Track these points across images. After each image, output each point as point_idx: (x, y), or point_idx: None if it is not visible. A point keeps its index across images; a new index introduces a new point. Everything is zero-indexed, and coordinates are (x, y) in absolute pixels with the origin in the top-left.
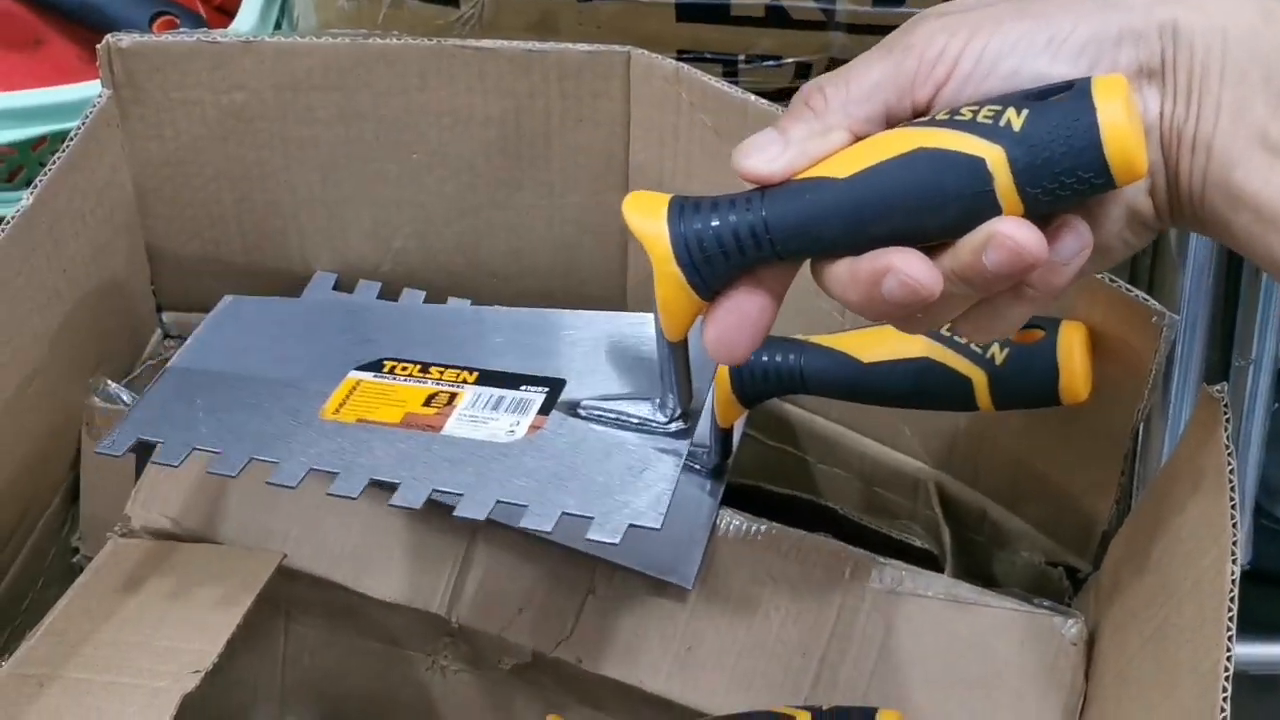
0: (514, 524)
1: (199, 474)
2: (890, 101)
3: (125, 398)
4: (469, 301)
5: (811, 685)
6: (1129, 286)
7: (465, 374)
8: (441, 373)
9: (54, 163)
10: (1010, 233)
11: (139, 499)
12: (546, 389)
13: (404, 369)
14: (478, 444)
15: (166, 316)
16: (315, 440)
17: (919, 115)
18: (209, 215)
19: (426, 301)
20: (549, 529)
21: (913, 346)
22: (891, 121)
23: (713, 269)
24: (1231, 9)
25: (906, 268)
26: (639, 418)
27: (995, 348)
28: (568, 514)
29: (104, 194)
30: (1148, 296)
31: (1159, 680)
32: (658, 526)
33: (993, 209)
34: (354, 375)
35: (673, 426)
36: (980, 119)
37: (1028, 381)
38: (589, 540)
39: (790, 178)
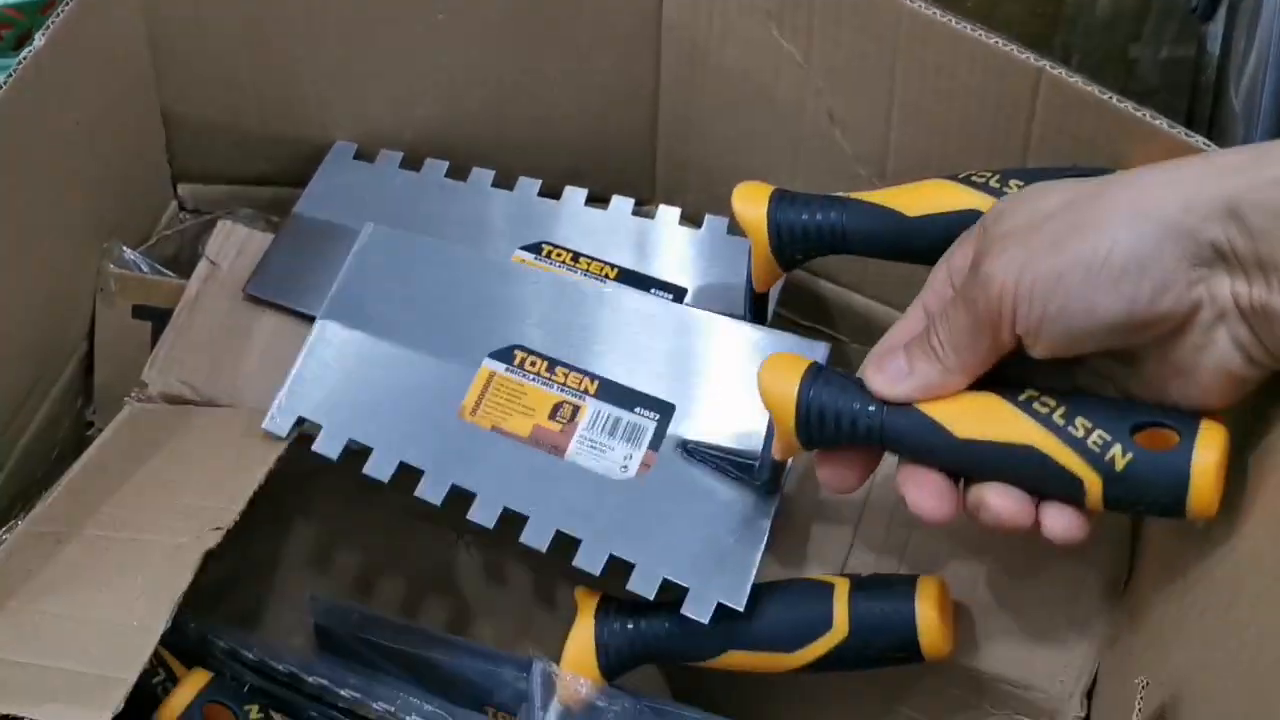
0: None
1: (217, 339)
2: (988, 344)
3: (142, 265)
4: (492, 173)
5: (846, 555)
6: (1189, 132)
7: (588, 381)
8: (566, 375)
9: (67, 3)
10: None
11: (155, 365)
12: (658, 416)
13: (533, 364)
14: (596, 479)
15: (182, 189)
16: (456, 447)
17: (1016, 348)
18: (226, 79)
19: (449, 175)
20: (650, 596)
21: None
22: (1001, 350)
23: (824, 439)
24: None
25: (1000, 505)
26: (738, 471)
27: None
28: (667, 579)
29: (118, 44)
30: (1208, 141)
31: None
32: (740, 609)
33: (1076, 503)
34: (488, 365)
35: (762, 486)
36: (1090, 443)
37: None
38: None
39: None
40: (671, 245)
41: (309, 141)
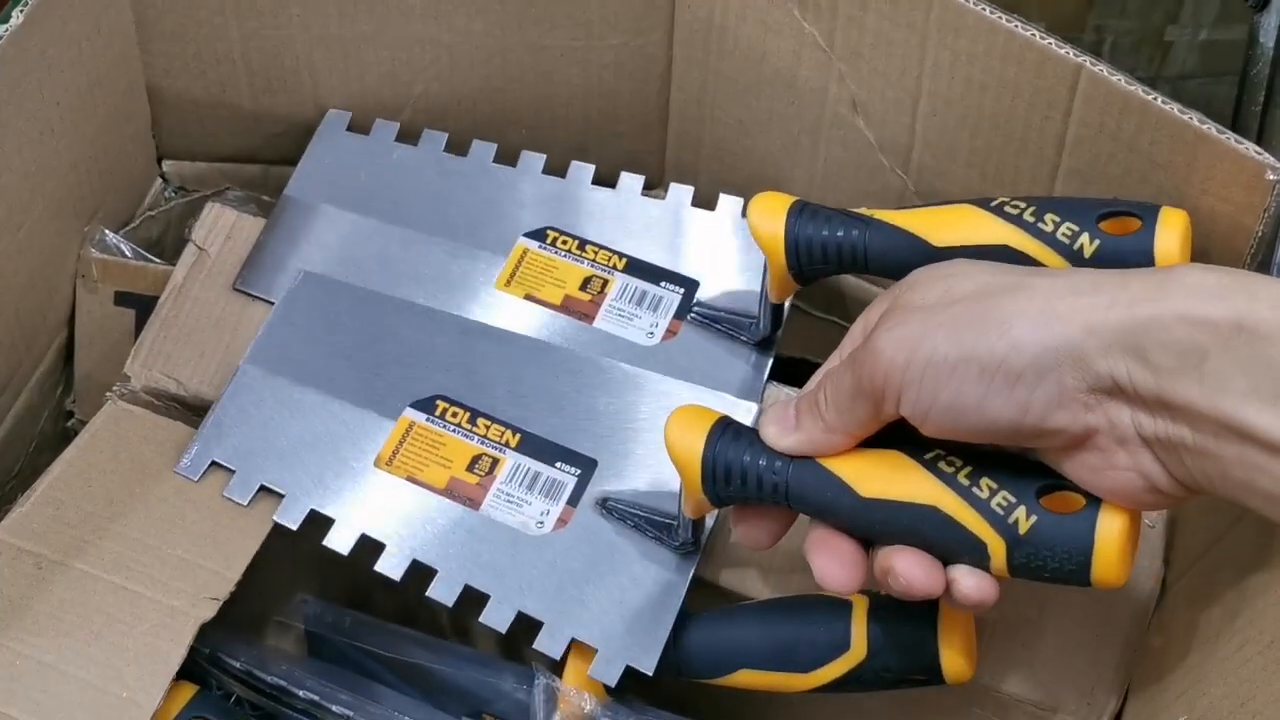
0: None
1: (205, 330)
2: (869, 412)
3: (125, 249)
4: (494, 147)
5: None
6: (1239, 138)
7: (510, 434)
8: (488, 427)
9: None
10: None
11: (139, 357)
12: (579, 472)
13: (455, 414)
14: (510, 533)
15: (167, 165)
16: (368, 496)
17: (897, 417)
18: (214, 52)
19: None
20: (557, 655)
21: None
22: (883, 419)
23: (731, 496)
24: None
25: (908, 572)
26: (656, 530)
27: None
28: (576, 640)
29: (102, 18)
30: (1260, 149)
31: None
32: (650, 673)
33: (981, 566)
34: (409, 414)
35: (681, 547)
36: (994, 505)
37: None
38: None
39: (812, 458)
40: (683, 230)
41: (300, 117)
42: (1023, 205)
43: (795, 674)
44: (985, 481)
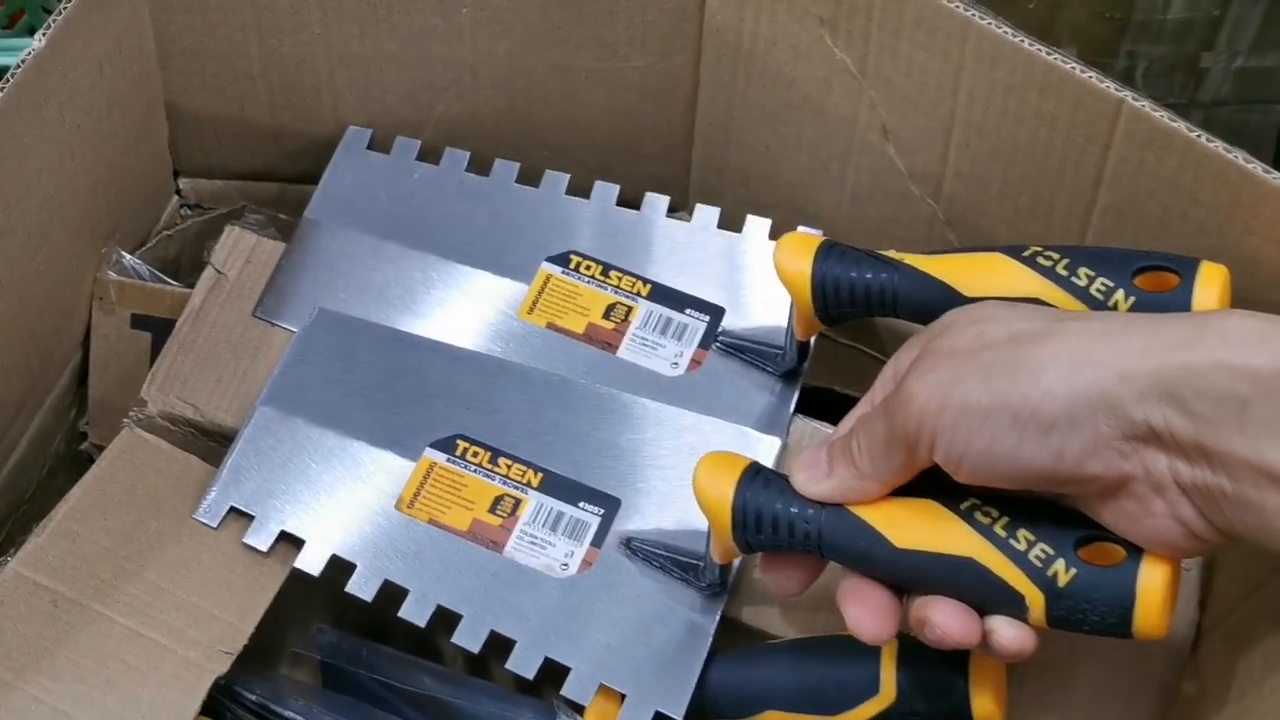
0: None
1: (223, 355)
2: (903, 460)
3: (143, 272)
4: (517, 166)
5: None
6: None
7: (531, 474)
8: (509, 466)
9: (68, 2)
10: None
11: (156, 381)
12: (602, 511)
13: (475, 454)
14: (534, 576)
15: (183, 183)
16: (390, 540)
17: (931, 464)
18: (234, 70)
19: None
20: (586, 702)
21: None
22: (917, 466)
23: (761, 543)
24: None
25: (945, 624)
26: (682, 571)
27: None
28: (605, 685)
29: (123, 40)
30: None
31: None
32: (679, 718)
33: (1019, 618)
34: (429, 455)
35: (708, 588)
36: (1032, 557)
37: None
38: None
39: (843, 505)
40: (709, 253)
41: (319, 135)
42: (1056, 257)
43: (823, 716)
44: (1022, 533)
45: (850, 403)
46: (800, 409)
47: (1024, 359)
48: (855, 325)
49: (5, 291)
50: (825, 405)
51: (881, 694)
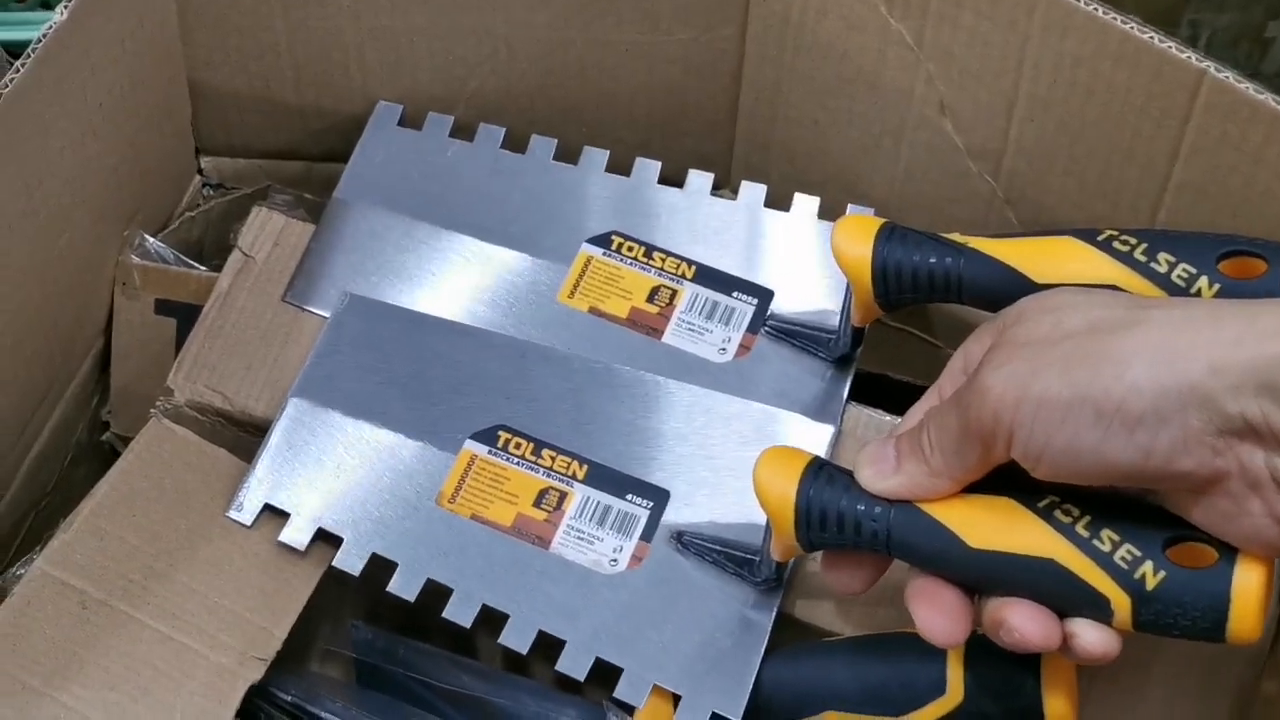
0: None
1: (252, 341)
2: (977, 456)
3: (167, 255)
4: (554, 143)
5: None
6: None
7: (576, 465)
8: (554, 458)
9: None
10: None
11: (183, 369)
12: (651, 504)
13: (518, 446)
14: (583, 573)
15: (205, 162)
16: (432, 537)
17: (1007, 460)
18: (258, 44)
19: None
20: (640, 704)
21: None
22: (992, 462)
23: (826, 541)
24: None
25: (1023, 627)
26: (736, 566)
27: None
28: (659, 686)
29: (145, 13)
30: None
31: None
32: (738, 718)
33: (1103, 621)
34: (470, 447)
35: (763, 583)
36: (1118, 559)
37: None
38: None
39: (912, 503)
40: (756, 233)
41: (347, 113)
42: (1133, 241)
43: (887, 717)
44: (1106, 533)
45: (903, 389)
46: (852, 396)
47: (1106, 350)
48: (910, 310)
49: (27, 277)
50: (878, 392)
51: (949, 694)
